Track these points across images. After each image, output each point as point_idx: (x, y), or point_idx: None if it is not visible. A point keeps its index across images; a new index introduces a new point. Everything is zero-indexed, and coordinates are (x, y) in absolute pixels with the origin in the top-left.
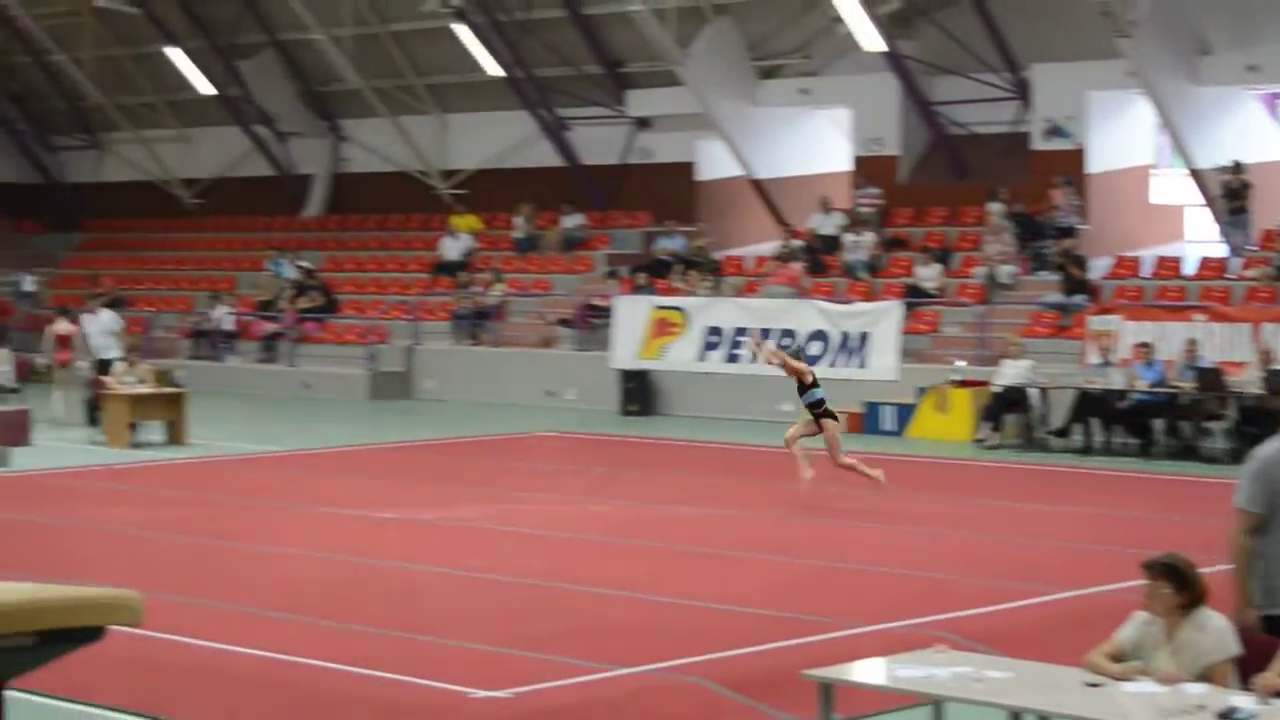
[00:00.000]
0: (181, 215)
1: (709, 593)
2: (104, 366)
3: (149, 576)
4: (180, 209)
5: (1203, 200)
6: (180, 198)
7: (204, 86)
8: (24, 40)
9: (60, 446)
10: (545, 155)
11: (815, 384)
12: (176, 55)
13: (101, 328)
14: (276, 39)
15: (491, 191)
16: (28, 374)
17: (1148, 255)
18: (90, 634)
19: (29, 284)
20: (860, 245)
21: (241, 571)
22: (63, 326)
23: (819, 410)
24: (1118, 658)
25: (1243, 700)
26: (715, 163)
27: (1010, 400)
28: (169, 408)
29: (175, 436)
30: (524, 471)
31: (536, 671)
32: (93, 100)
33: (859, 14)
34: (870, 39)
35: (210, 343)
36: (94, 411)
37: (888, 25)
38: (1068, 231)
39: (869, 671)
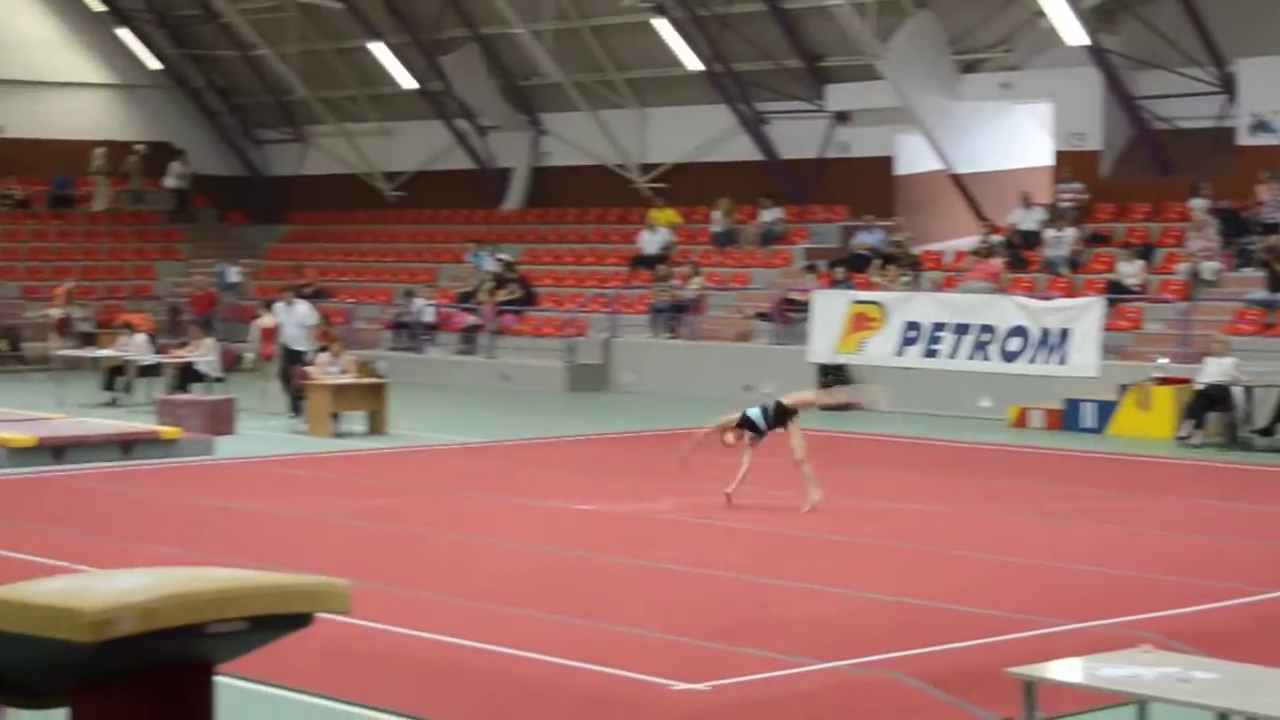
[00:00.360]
0: (383, 208)
1: (907, 588)
2: (294, 357)
3: (351, 565)
4: (382, 201)
5: None
6: (382, 190)
7: (406, 81)
8: (230, 35)
9: (264, 435)
10: (743, 149)
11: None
12: (379, 49)
13: (296, 320)
14: (478, 33)
15: (689, 185)
16: (233, 364)
17: None
18: (299, 621)
19: (234, 275)
20: (1061, 241)
21: (442, 561)
22: (268, 319)
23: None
24: None
25: None
26: (914, 157)
27: (1213, 398)
28: (370, 398)
29: (376, 427)
30: (721, 465)
31: (734, 664)
32: (297, 94)
33: (1061, 8)
34: (1072, 33)
35: (410, 334)
36: (297, 401)
37: (1090, 19)
38: (1273, 228)
39: (1072, 670)
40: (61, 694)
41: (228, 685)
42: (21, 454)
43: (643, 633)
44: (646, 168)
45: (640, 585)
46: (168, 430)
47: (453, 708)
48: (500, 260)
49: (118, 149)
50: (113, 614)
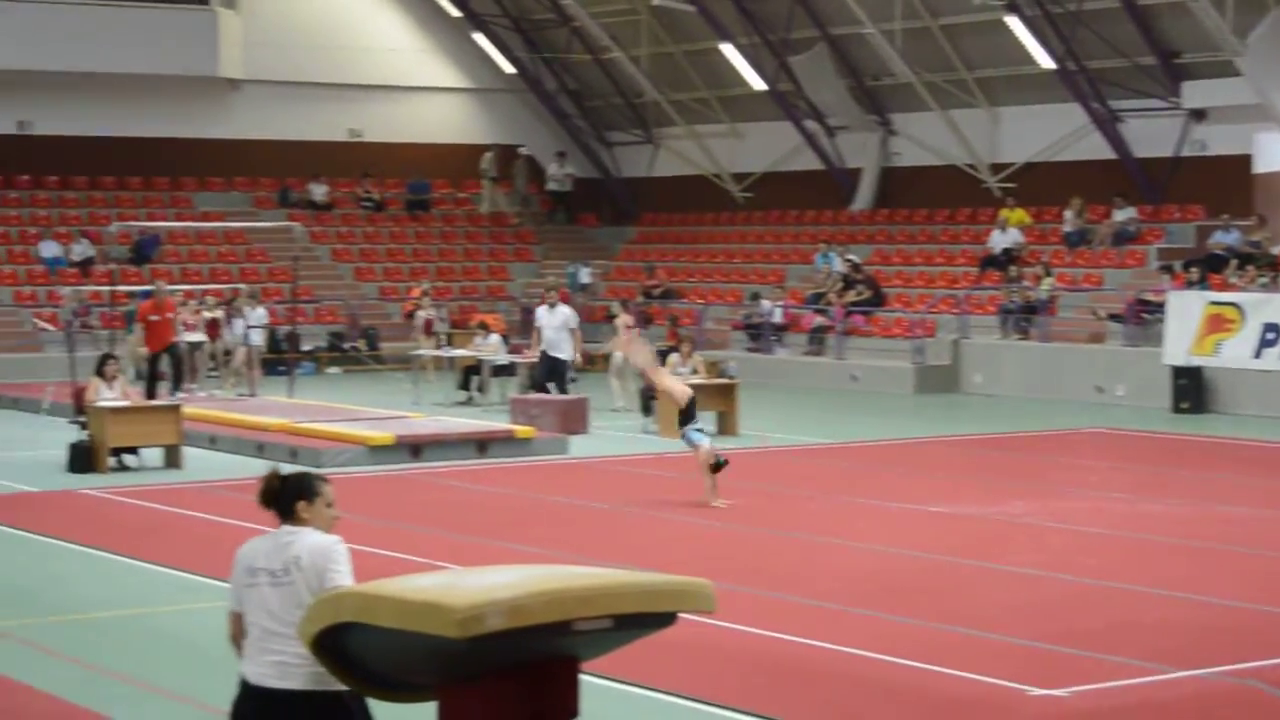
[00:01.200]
0: (732, 209)
1: (1264, 595)
2: (554, 363)
3: (702, 564)
4: (731, 203)
5: None
6: (731, 191)
7: (756, 82)
8: (583, 39)
9: (616, 435)
10: (1096, 148)
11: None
12: (730, 51)
13: (558, 323)
14: (828, 34)
15: (1041, 184)
16: (587, 363)
17: None
18: (664, 620)
19: (586, 276)
20: None
21: (792, 561)
22: (626, 319)
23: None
24: None
25: None
26: (1274, 155)
27: None
28: (720, 399)
29: (726, 427)
30: (1072, 468)
31: (1091, 670)
32: (648, 96)
33: None
34: None
35: (759, 335)
36: (649, 401)
37: None
38: None
39: None
40: (430, 689)
41: (588, 683)
42: (381, 452)
43: (996, 636)
44: (997, 167)
45: (992, 588)
46: (523, 429)
47: (806, 708)
48: (849, 261)
49: (505, 151)
50: (482, 610)
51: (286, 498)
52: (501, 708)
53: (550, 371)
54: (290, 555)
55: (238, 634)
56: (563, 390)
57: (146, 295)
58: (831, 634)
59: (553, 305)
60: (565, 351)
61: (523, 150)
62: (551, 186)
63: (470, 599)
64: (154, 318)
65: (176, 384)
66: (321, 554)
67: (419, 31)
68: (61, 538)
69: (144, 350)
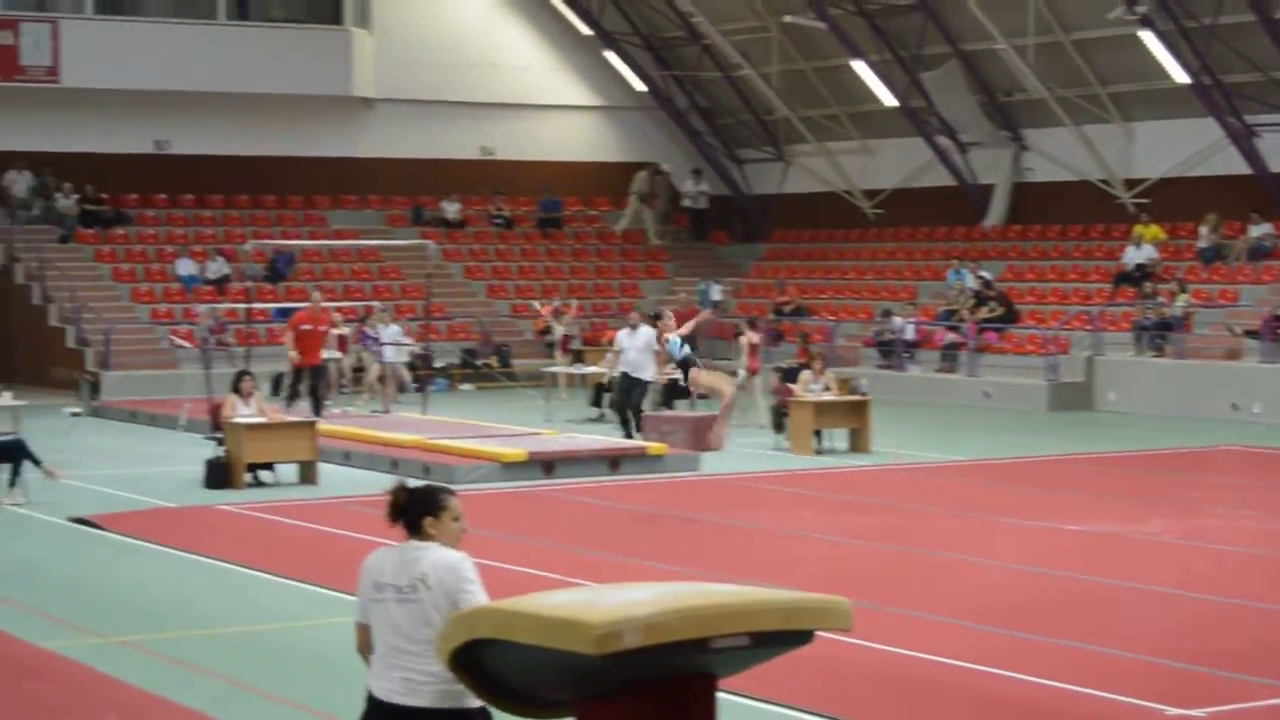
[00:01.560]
0: (863, 225)
1: None
2: (634, 384)
3: (835, 581)
4: (862, 219)
5: None
6: (862, 208)
7: (887, 98)
8: (714, 57)
9: (747, 451)
10: (1231, 163)
11: None
12: (861, 68)
13: (640, 345)
14: (960, 50)
15: (1175, 200)
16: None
17: None
18: (801, 638)
19: (716, 293)
20: None
21: (926, 579)
22: (752, 336)
23: None
24: None
25: None
26: None
27: None
28: (853, 415)
29: (859, 444)
30: (1209, 486)
31: (1228, 691)
32: (778, 113)
33: None
34: None
35: (891, 351)
36: (780, 418)
37: None
38: None
39: None
40: (566, 705)
41: (724, 700)
42: (513, 468)
43: (1132, 655)
44: (1131, 183)
45: (1129, 607)
46: (655, 446)
47: None
48: (981, 278)
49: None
50: (619, 627)
51: (413, 513)
52: None
53: (628, 393)
54: (417, 572)
55: (365, 646)
56: (638, 412)
57: (281, 312)
58: (967, 652)
59: (634, 327)
60: (648, 373)
61: (665, 169)
62: (686, 204)
63: (607, 616)
64: (306, 327)
65: (317, 407)
66: (450, 572)
67: (550, 49)
68: (197, 552)
69: (295, 355)
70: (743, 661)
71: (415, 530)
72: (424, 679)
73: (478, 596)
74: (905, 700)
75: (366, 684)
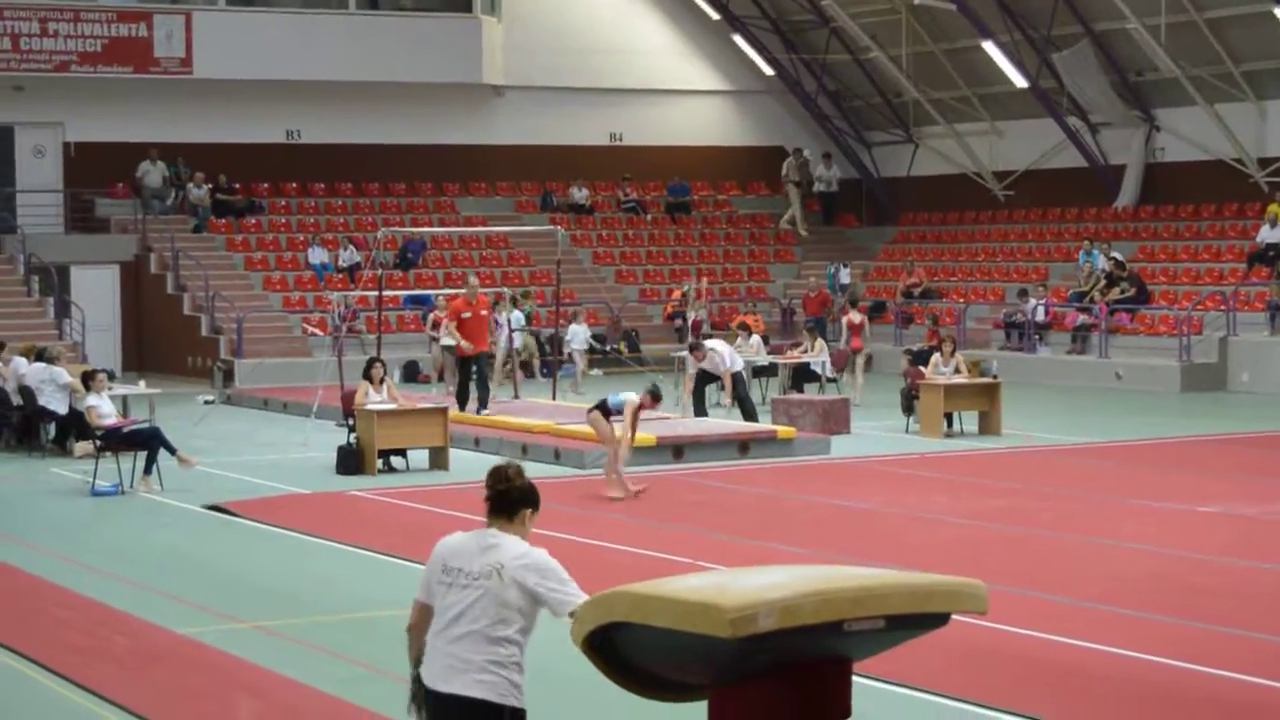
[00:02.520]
0: (993, 207)
1: None
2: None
3: (967, 564)
4: (992, 201)
5: None
6: (992, 190)
7: (1018, 79)
8: (842, 39)
9: (877, 435)
10: None
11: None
12: (991, 49)
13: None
14: (1091, 30)
15: None
16: (845, 364)
17: None
18: (937, 621)
19: (845, 276)
20: None
21: (1060, 562)
22: (854, 315)
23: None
24: None
25: None
26: None
27: None
28: (983, 398)
29: (989, 427)
30: None
31: None
32: (907, 95)
33: None
34: None
35: (1021, 334)
36: (910, 401)
37: None
38: None
39: None
40: (701, 688)
41: (859, 684)
42: (643, 452)
43: (1271, 638)
44: (1264, 161)
45: (1266, 589)
46: (785, 430)
47: (1077, 711)
48: (1113, 258)
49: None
50: (755, 610)
51: (518, 502)
52: (773, 708)
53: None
54: (493, 561)
55: (419, 625)
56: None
57: (412, 299)
58: (1102, 635)
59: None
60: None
61: (807, 153)
62: (819, 188)
63: (742, 599)
64: (466, 315)
65: (485, 397)
66: (537, 572)
67: (678, 34)
68: (330, 538)
69: (467, 344)
70: (877, 644)
71: (508, 518)
72: (466, 667)
73: (577, 595)
74: (1043, 685)
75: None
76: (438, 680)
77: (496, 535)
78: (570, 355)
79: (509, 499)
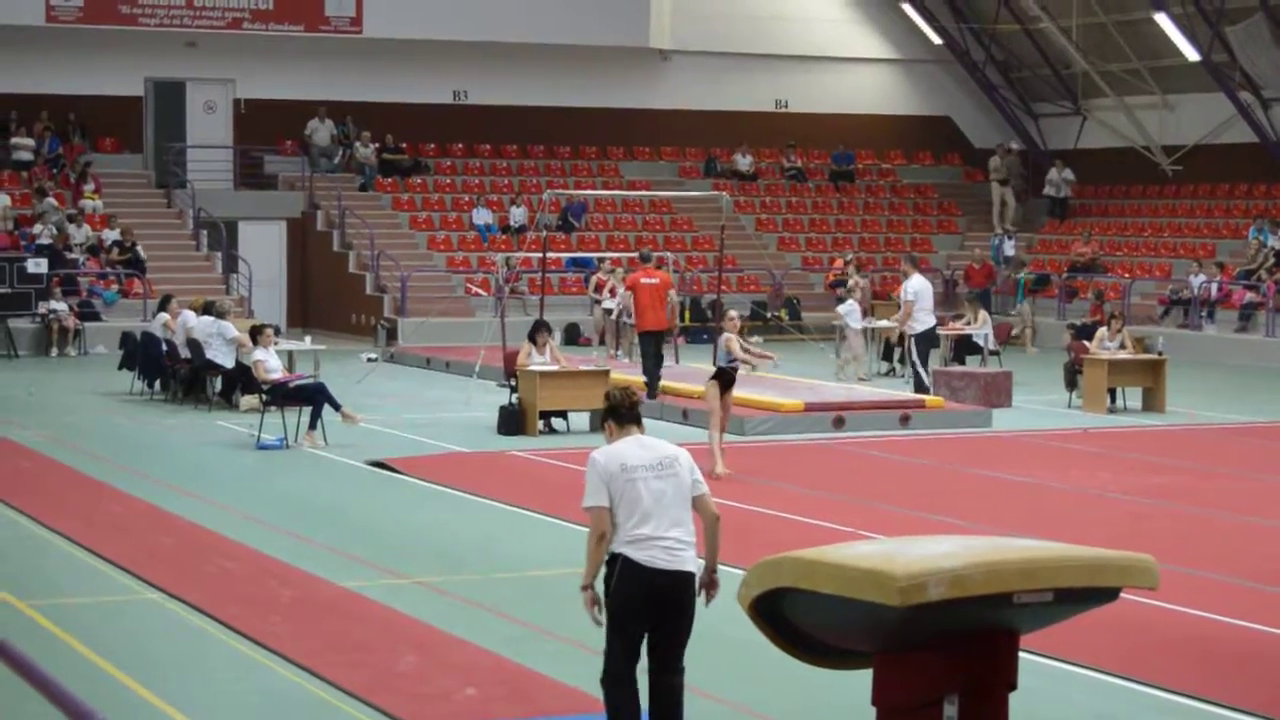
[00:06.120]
0: (1160, 182)
1: None
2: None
3: (1130, 541)
4: (1160, 176)
5: None
6: (1160, 164)
7: (1189, 52)
8: (1012, 9)
9: (1039, 409)
10: None
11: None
12: (1163, 21)
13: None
14: (1266, 3)
15: None
16: (1008, 337)
17: None
18: (1107, 595)
19: (1010, 249)
20: None
21: (1223, 541)
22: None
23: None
24: None
25: None
26: None
27: None
28: (1147, 375)
29: (1153, 404)
30: None
31: None
32: (1077, 67)
33: None
34: None
35: (1187, 310)
36: (1074, 375)
37: None
38: None
39: None
40: (865, 655)
41: (1024, 659)
42: (803, 420)
43: None
44: None
45: None
46: (933, 400)
47: (1242, 691)
48: None
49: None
50: (925, 579)
51: (637, 414)
52: (939, 676)
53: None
54: (665, 454)
55: (608, 528)
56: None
57: (572, 261)
58: (1267, 617)
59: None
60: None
61: (1014, 147)
62: (1048, 192)
63: (912, 568)
64: (648, 281)
65: (652, 385)
66: (689, 460)
67: (846, 2)
68: (491, 497)
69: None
70: (1045, 618)
71: (638, 425)
72: (681, 546)
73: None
74: (1208, 664)
75: (623, 553)
76: (661, 562)
77: (646, 437)
78: (843, 333)
79: (638, 410)
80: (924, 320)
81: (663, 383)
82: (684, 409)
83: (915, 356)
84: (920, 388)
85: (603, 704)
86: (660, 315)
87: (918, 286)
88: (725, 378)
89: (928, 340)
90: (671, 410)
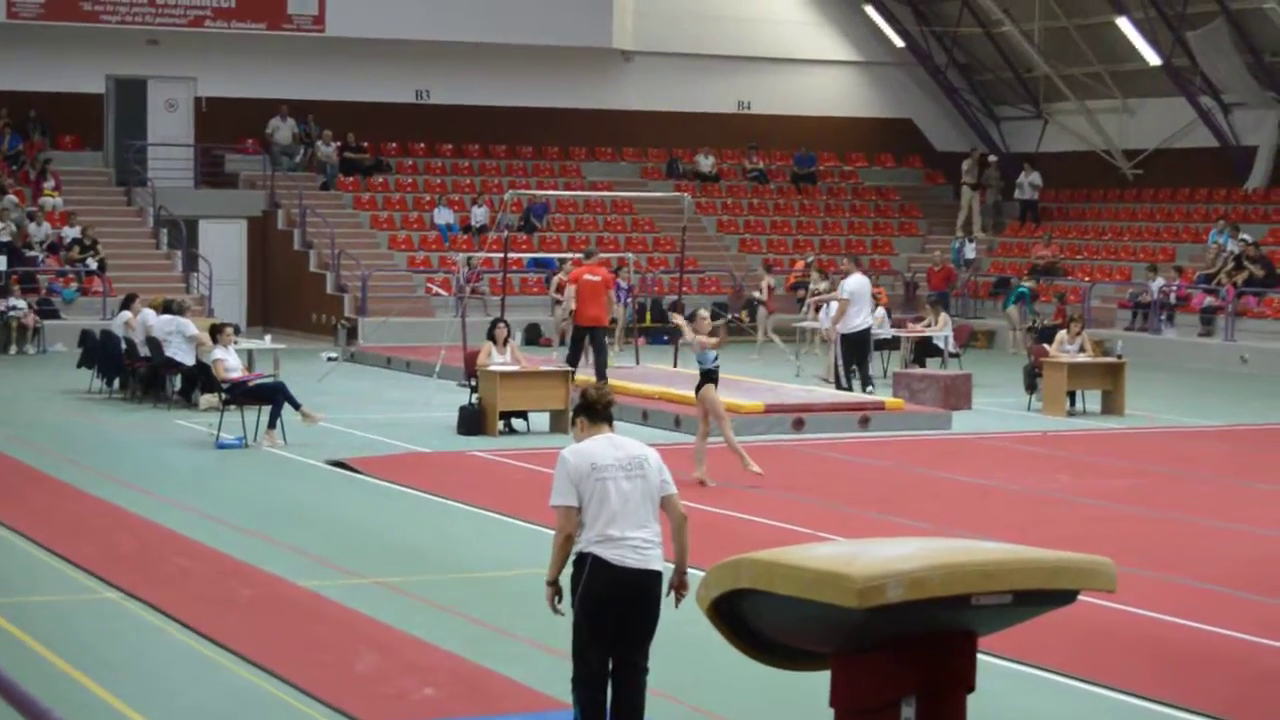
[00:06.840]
0: (1122, 185)
1: None
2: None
3: (1088, 544)
4: (1120, 179)
5: None
6: (1121, 168)
7: (1151, 57)
8: (975, 12)
9: (999, 412)
10: None
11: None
12: (1125, 25)
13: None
14: (1227, 8)
15: None
16: (968, 339)
17: None
18: (1064, 598)
19: (970, 251)
20: None
21: (1180, 544)
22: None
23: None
24: None
25: None
26: None
27: None
28: (1107, 378)
29: (1112, 406)
30: None
31: None
32: (1038, 71)
33: None
34: None
35: (1146, 314)
36: (1033, 378)
37: None
38: None
39: None
40: (824, 657)
41: (982, 660)
42: (761, 422)
43: None
44: None
45: None
46: (893, 402)
47: (1196, 693)
48: (1242, 240)
49: (980, 159)
50: (883, 581)
51: (609, 413)
52: (897, 678)
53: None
54: (634, 454)
55: (575, 528)
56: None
57: (534, 261)
58: (1222, 619)
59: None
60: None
61: (993, 157)
62: (1019, 195)
63: (871, 570)
64: (590, 277)
65: (600, 371)
66: (658, 461)
67: (809, 3)
68: (450, 497)
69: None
70: (1004, 620)
71: (609, 424)
72: (648, 546)
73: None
74: (1162, 666)
75: (591, 552)
76: (631, 560)
77: (615, 437)
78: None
79: (611, 410)
80: (855, 321)
81: (622, 383)
82: (643, 410)
83: (839, 354)
84: (839, 387)
85: (571, 704)
86: (601, 311)
87: (853, 286)
88: (714, 379)
89: (857, 341)
90: (631, 411)
